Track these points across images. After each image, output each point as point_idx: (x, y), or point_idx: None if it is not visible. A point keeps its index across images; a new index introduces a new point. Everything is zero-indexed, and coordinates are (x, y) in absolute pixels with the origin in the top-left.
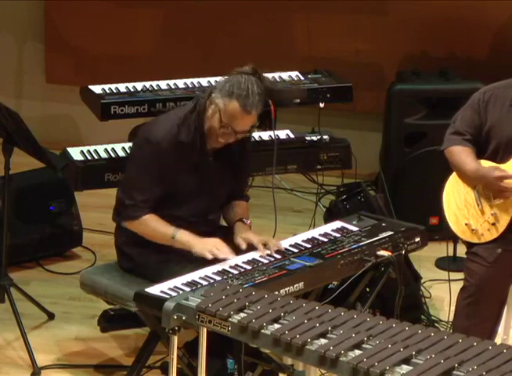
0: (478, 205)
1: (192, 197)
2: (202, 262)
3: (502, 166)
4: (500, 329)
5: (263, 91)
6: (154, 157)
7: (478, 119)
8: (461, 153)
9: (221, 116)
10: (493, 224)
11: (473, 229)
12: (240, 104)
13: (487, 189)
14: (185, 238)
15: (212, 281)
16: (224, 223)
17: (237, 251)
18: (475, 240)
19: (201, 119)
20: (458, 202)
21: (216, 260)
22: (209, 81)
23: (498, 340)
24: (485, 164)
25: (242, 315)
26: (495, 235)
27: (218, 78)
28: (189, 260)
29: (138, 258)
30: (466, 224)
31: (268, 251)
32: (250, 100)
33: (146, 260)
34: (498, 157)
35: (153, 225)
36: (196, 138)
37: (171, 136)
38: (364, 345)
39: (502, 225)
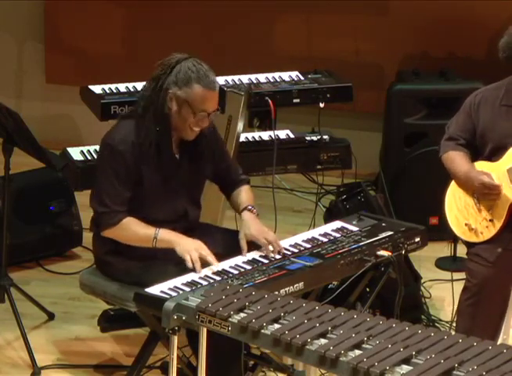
0: (476, 204)
1: (165, 197)
2: (186, 265)
3: (494, 164)
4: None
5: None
6: (116, 161)
7: (471, 122)
8: (454, 158)
9: (190, 105)
10: (491, 220)
11: (472, 229)
12: (202, 85)
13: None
14: (167, 237)
15: (212, 281)
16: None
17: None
18: (475, 240)
19: (165, 119)
20: (458, 205)
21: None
22: None
23: (498, 340)
24: (481, 164)
25: (242, 315)
26: (493, 232)
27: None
28: (172, 264)
29: (120, 265)
30: (465, 224)
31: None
32: (209, 78)
33: (129, 267)
34: (494, 156)
35: (133, 229)
36: (157, 139)
37: (128, 139)
38: (364, 345)
39: (499, 221)
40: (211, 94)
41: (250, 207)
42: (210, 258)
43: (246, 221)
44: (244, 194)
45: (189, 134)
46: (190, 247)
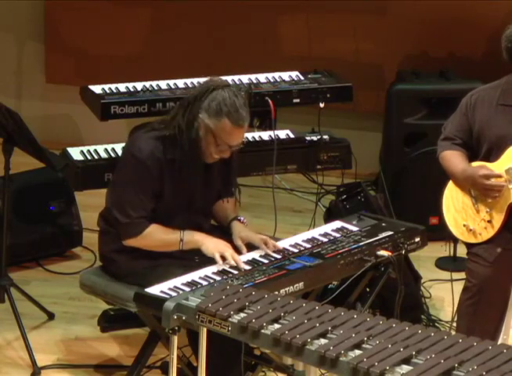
0: (474, 205)
1: (182, 212)
2: (190, 266)
3: (492, 164)
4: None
5: (246, 99)
6: (141, 174)
7: (467, 123)
8: (451, 157)
9: (214, 136)
10: (489, 221)
11: (470, 230)
12: (231, 121)
13: (475, 189)
14: (195, 237)
15: (212, 281)
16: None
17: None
18: (473, 240)
19: (194, 139)
20: (456, 205)
21: (206, 263)
22: None
23: (498, 340)
24: (477, 164)
25: (242, 315)
26: (491, 233)
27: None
28: (177, 265)
29: (125, 264)
30: (464, 225)
31: (269, 251)
32: (239, 115)
33: (134, 266)
34: (491, 157)
35: (158, 236)
36: (185, 155)
37: (156, 153)
38: (364, 345)
39: (498, 222)
40: (238, 131)
41: (240, 217)
42: (236, 257)
43: (239, 227)
44: (231, 207)
45: (209, 159)
46: (219, 246)
